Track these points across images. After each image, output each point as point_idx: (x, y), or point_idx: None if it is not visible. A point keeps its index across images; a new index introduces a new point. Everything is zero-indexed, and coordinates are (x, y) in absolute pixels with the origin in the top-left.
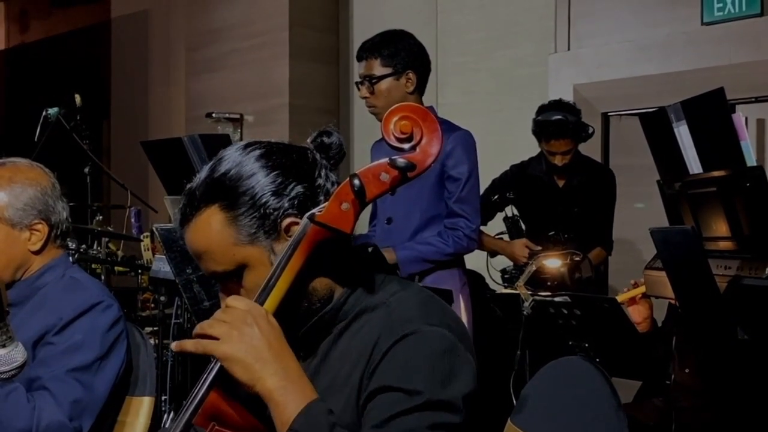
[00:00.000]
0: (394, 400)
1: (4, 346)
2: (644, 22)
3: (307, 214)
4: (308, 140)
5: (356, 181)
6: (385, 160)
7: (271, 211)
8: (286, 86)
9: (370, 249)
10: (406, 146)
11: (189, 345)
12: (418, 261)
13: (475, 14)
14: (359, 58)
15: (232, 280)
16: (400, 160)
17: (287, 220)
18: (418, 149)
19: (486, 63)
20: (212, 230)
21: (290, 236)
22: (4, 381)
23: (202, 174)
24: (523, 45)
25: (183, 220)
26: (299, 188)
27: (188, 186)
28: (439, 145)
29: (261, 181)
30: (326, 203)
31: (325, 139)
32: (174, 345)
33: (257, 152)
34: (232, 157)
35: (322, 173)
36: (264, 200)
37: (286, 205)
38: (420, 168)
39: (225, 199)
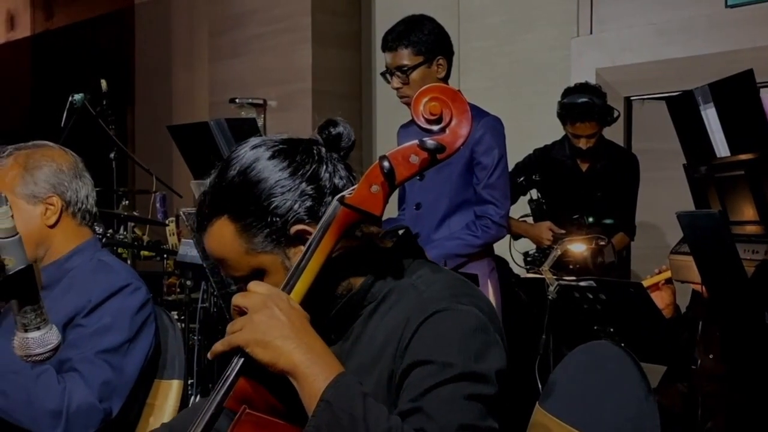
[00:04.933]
0: (428, 373)
1: (38, 328)
2: (667, 4)
3: (337, 196)
4: (315, 132)
5: (386, 163)
6: (415, 141)
7: (279, 220)
8: (309, 71)
9: (401, 231)
10: (435, 128)
11: (219, 346)
12: (449, 258)
13: None
14: (387, 48)
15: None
16: (430, 142)
17: (295, 228)
18: (447, 131)
19: (508, 48)
20: (225, 241)
21: (303, 242)
22: (35, 363)
23: (212, 178)
24: (545, 29)
25: (199, 227)
26: (306, 192)
27: (201, 191)
28: (468, 126)
29: (267, 189)
30: (356, 185)
31: (332, 130)
32: (209, 355)
33: (265, 154)
34: (239, 162)
35: (329, 169)
36: (271, 209)
37: (294, 212)
38: (450, 150)
39: (232, 210)
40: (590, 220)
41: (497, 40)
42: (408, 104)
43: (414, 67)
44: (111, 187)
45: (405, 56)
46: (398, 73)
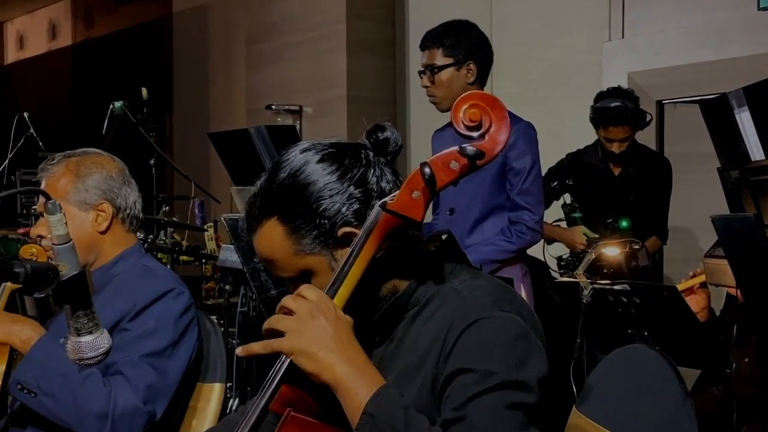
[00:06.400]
0: (470, 382)
1: (90, 332)
2: (700, 7)
3: (379, 202)
4: (363, 136)
5: (427, 170)
6: (455, 148)
7: (327, 222)
8: (344, 78)
9: (444, 236)
10: (475, 134)
11: (257, 347)
12: (484, 263)
13: (529, 3)
14: (422, 48)
15: (299, 283)
16: (470, 148)
17: (343, 230)
18: (486, 137)
19: (540, 52)
20: (274, 242)
21: (350, 244)
22: (87, 366)
23: (262, 181)
24: (577, 33)
25: (249, 229)
26: (354, 195)
27: (252, 193)
28: (507, 133)
29: (316, 192)
30: (397, 192)
31: (380, 135)
32: (240, 350)
33: (314, 158)
34: (289, 165)
35: (376, 173)
36: (319, 212)
37: (342, 215)
38: (489, 156)
39: (282, 211)
40: (624, 224)
41: (530, 45)
42: (435, 104)
43: (442, 68)
44: (151, 193)
45: (436, 56)
46: (428, 72)
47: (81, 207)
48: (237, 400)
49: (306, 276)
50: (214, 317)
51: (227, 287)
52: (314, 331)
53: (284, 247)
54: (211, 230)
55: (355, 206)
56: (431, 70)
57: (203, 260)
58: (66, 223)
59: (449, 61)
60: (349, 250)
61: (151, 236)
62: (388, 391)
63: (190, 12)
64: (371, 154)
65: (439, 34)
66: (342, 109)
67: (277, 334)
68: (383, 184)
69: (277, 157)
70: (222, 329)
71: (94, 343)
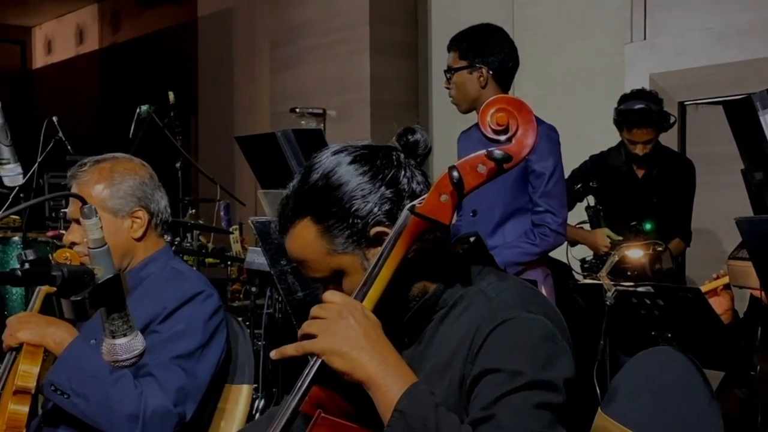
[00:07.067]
0: (498, 382)
1: (125, 335)
2: (722, 8)
3: (408, 206)
4: (393, 139)
5: (455, 173)
6: (483, 152)
7: (359, 222)
8: (367, 81)
9: (472, 239)
10: (502, 138)
11: (290, 350)
12: (508, 266)
13: (551, 6)
14: (447, 49)
15: (331, 283)
16: (497, 152)
17: (375, 230)
18: (513, 141)
19: (562, 54)
20: (307, 242)
21: (382, 244)
22: (121, 368)
23: (295, 182)
24: (599, 36)
25: (281, 229)
26: (386, 195)
27: (284, 194)
28: (534, 136)
29: (348, 192)
30: (426, 195)
31: (410, 137)
32: (273, 353)
33: (346, 159)
34: (322, 166)
35: (407, 174)
36: (352, 212)
37: (374, 215)
38: (516, 159)
39: (315, 212)
40: (648, 226)
41: (551, 47)
42: (455, 105)
43: (455, 70)
44: (177, 196)
45: (453, 58)
46: (447, 74)
47: (116, 214)
48: (263, 401)
49: (338, 276)
50: (240, 319)
51: (253, 289)
52: (345, 331)
53: (317, 247)
54: (237, 233)
55: (387, 206)
56: (448, 71)
57: (229, 262)
58: (101, 227)
59: (463, 64)
60: (380, 249)
61: (177, 239)
62: (420, 388)
63: (215, 16)
64: (402, 156)
65: (460, 37)
66: (365, 112)
67: (309, 338)
68: (414, 185)
69: (304, 160)
70: (248, 331)
71: (128, 345)
